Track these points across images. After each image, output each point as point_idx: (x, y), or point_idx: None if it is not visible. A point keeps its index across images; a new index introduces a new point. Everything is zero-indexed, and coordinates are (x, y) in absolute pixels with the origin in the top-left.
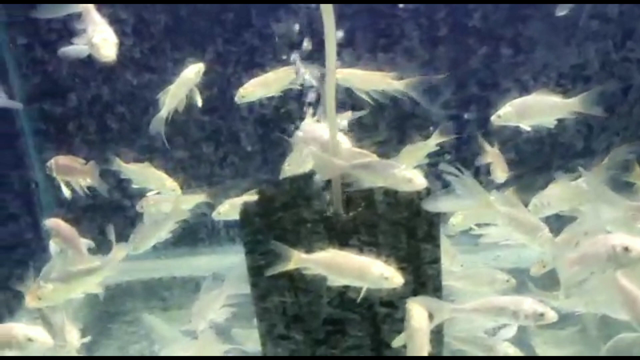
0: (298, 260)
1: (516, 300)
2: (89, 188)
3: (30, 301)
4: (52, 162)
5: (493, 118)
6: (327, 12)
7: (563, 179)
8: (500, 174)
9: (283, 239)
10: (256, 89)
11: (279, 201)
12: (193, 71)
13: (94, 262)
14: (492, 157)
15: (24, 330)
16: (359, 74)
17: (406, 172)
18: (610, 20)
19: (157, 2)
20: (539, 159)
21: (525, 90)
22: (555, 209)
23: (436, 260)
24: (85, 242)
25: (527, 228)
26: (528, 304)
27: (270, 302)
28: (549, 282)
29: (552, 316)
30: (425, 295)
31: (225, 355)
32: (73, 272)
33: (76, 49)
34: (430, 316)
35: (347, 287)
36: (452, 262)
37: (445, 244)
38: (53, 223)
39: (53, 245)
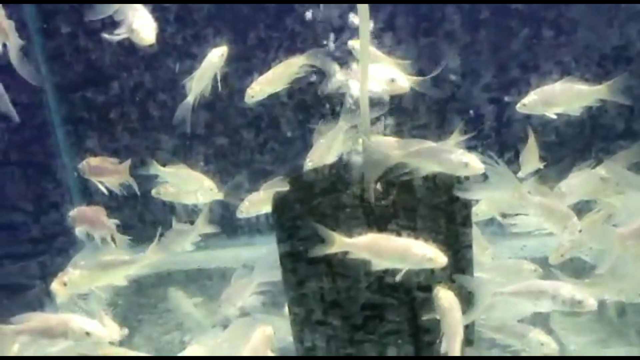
0: (341, 244)
1: (555, 286)
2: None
3: (56, 287)
4: (84, 164)
5: (518, 106)
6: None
7: (584, 166)
8: (531, 165)
9: (319, 225)
10: (264, 86)
11: (311, 189)
12: (217, 54)
13: (126, 254)
14: (528, 147)
15: (81, 324)
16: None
17: (463, 156)
18: None
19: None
20: (579, 142)
21: (566, 72)
22: (578, 197)
23: (471, 245)
24: (111, 222)
25: (557, 217)
26: (567, 289)
27: (308, 288)
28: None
29: (591, 303)
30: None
31: None
32: (101, 263)
33: (115, 37)
34: (471, 298)
35: (385, 272)
36: (483, 253)
37: (476, 234)
38: (74, 212)
39: (79, 232)
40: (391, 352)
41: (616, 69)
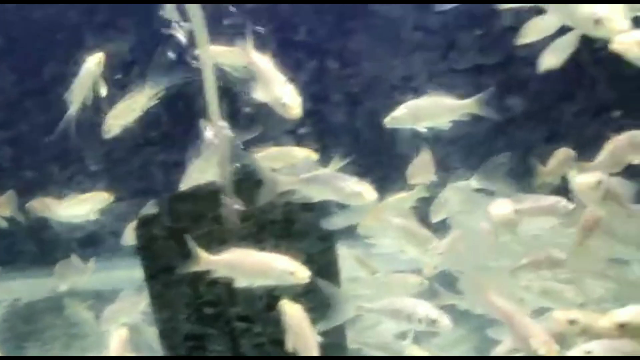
0: (205, 261)
1: (413, 304)
2: None
3: None
4: None
5: (387, 120)
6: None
7: (457, 181)
8: (422, 177)
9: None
10: (117, 120)
11: (176, 211)
12: (94, 62)
13: None
14: (421, 160)
15: None
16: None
17: (355, 185)
18: (434, 32)
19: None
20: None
21: (357, 103)
22: (452, 211)
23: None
24: None
25: (417, 240)
26: (423, 308)
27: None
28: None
29: (445, 324)
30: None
31: None
32: None
33: None
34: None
35: (204, 303)
36: (368, 271)
37: (356, 253)
38: None
39: None
40: None
41: (404, 100)
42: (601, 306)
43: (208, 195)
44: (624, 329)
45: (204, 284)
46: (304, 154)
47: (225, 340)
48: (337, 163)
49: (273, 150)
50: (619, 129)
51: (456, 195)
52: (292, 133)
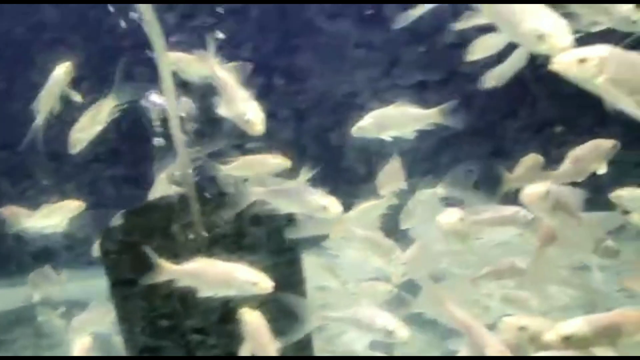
0: (168, 271)
1: (372, 315)
2: None
3: None
4: None
5: (354, 129)
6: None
7: (427, 185)
8: (391, 185)
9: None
10: (82, 134)
11: (140, 224)
12: (61, 71)
13: None
14: (391, 168)
15: None
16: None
17: (321, 199)
18: (376, 49)
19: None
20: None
21: (304, 119)
22: (421, 220)
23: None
24: None
25: (381, 251)
26: (381, 320)
27: None
28: None
29: (401, 335)
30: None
31: None
32: None
33: None
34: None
35: (159, 316)
36: (337, 280)
37: (323, 262)
38: None
39: None
40: None
41: (350, 117)
42: (567, 313)
43: (166, 208)
44: (569, 342)
45: (159, 296)
46: (277, 162)
47: (180, 352)
48: (305, 174)
49: (246, 158)
50: (561, 144)
51: (420, 203)
52: (240, 147)
